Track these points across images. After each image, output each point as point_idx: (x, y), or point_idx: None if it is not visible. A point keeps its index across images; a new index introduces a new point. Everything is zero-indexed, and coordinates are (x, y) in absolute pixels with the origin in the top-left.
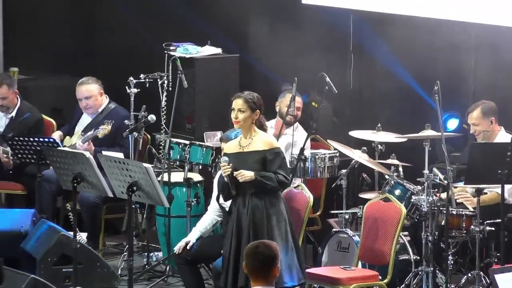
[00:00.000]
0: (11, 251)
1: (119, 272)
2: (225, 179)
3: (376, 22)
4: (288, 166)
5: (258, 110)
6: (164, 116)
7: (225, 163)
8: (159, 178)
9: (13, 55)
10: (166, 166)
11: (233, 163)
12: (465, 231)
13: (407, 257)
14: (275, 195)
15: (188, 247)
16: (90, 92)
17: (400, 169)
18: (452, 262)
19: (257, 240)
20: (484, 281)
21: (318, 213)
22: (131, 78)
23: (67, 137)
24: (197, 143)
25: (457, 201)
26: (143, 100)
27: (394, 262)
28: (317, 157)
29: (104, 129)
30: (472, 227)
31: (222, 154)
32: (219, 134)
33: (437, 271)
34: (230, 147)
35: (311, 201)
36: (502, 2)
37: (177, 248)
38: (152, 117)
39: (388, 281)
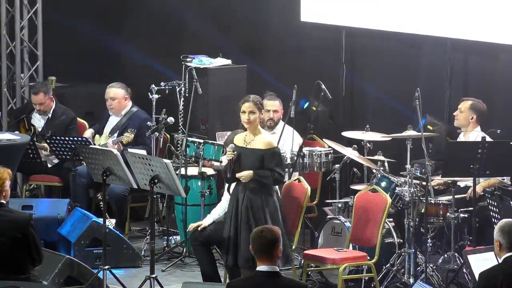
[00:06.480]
0: (49, 235)
1: (143, 253)
2: (226, 161)
3: (365, 37)
4: (289, 161)
5: (262, 109)
6: (182, 119)
7: (231, 150)
8: (177, 172)
9: (51, 66)
10: (183, 161)
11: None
12: (442, 218)
13: (392, 240)
14: (269, 188)
15: (199, 229)
16: (116, 94)
17: (386, 164)
18: (430, 245)
19: (261, 226)
20: (458, 260)
21: (315, 202)
22: (153, 86)
23: (97, 136)
24: (210, 141)
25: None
26: (163, 105)
27: (381, 245)
28: (314, 153)
29: (127, 137)
30: (448, 214)
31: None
32: (229, 133)
33: (418, 252)
34: (238, 139)
35: (309, 191)
36: (475, 18)
37: (190, 226)
38: (171, 119)
39: (375, 261)
